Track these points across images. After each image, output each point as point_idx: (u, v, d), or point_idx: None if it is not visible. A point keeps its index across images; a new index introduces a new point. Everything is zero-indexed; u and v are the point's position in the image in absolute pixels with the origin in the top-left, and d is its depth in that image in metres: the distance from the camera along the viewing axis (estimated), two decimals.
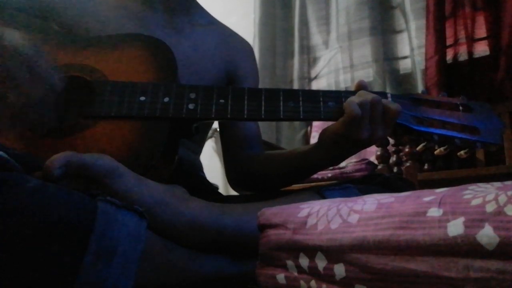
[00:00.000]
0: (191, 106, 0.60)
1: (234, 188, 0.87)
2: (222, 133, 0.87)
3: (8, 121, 0.55)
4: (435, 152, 0.66)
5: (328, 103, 0.62)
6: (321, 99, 0.62)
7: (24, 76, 0.54)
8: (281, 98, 0.62)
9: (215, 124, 1.21)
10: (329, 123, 0.62)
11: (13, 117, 0.55)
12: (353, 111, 0.58)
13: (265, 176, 0.78)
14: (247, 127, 0.84)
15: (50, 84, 0.56)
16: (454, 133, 0.62)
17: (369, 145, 0.62)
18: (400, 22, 1.94)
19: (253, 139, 0.85)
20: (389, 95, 0.64)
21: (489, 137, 0.62)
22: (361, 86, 0.64)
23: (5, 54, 0.54)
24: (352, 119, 0.58)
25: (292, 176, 0.75)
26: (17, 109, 0.54)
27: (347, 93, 0.63)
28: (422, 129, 0.62)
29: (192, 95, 0.61)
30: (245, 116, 0.61)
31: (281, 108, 0.61)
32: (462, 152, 0.65)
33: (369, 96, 0.59)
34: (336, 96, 0.63)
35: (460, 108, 0.65)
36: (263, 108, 0.61)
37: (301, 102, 0.62)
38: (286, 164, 0.74)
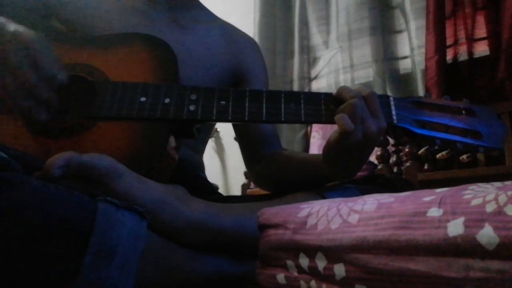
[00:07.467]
0: (192, 107, 0.60)
1: (257, 185, 0.85)
2: (238, 133, 0.87)
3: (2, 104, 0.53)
4: (437, 156, 0.66)
5: (330, 105, 0.61)
6: (322, 101, 0.62)
7: (21, 60, 0.52)
8: (283, 100, 0.61)
9: (217, 124, 1.21)
10: (330, 126, 0.62)
11: (5, 101, 0.53)
12: (345, 124, 0.56)
13: (284, 177, 0.77)
14: (263, 125, 0.84)
15: (50, 73, 0.54)
16: (456, 137, 0.62)
17: (368, 144, 0.59)
18: (400, 22, 1.94)
19: (270, 137, 0.85)
20: (391, 99, 0.64)
21: (491, 141, 0.62)
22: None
23: (3, 36, 0.52)
24: (345, 133, 0.56)
25: (308, 183, 0.71)
26: (9, 93, 0.52)
27: None
28: (424, 132, 0.61)
29: (193, 97, 0.61)
30: (246, 118, 0.60)
31: (282, 110, 0.61)
32: (464, 156, 0.65)
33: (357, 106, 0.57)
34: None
35: (463, 112, 0.64)
36: (264, 110, 0.60)
37: (302, 105, 0.61)
38: (302, 171, 0.72)
